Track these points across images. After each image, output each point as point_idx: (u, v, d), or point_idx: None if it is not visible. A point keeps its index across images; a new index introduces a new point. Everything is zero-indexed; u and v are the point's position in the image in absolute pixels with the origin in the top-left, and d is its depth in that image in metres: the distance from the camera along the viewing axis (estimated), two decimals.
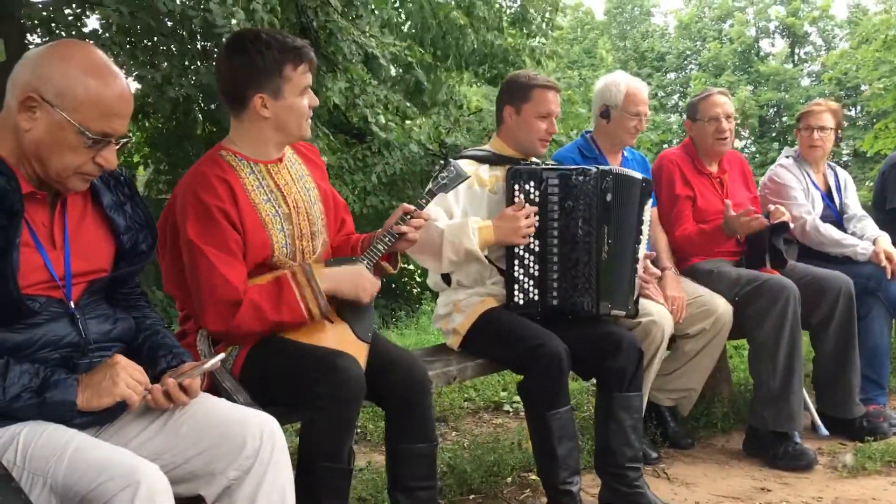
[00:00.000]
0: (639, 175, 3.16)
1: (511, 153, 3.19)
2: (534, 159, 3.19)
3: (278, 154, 2.47)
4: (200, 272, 2.25)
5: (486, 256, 3.02)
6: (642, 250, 3.20)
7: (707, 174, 3.86)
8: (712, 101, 3.83)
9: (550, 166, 3.03)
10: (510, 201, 2.99)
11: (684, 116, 4.07)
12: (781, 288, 3.44)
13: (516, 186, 2.98)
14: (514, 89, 3.15)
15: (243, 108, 2.37)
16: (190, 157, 8.82)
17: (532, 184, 2.98)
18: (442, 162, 2.78)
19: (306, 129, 2.45)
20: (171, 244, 2.36)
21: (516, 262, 2.99)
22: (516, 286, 3.00)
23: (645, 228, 3.18)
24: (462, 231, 2.89)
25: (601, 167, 3.04)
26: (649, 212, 3.21)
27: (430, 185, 2.67)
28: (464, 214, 3.03)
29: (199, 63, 7.79)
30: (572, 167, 3.03)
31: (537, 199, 2.98)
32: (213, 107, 8.06)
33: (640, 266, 3.18)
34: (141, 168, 10.17)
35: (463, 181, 2.73)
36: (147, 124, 9.42)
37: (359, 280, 2.42)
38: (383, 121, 7.99)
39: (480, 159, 3.17)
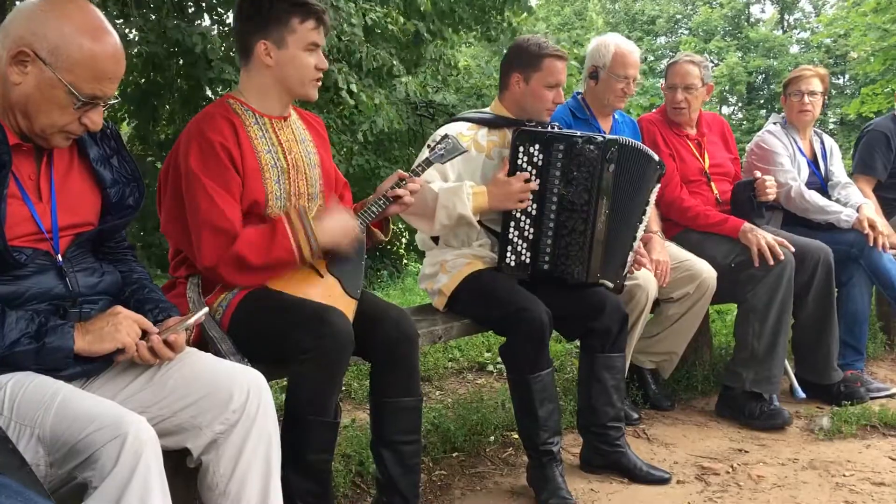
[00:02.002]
0: (656, 156, 3.13)
1: (512, 118, 3.16)
2: (541, 125, 3.11)
3: (283, 112, 2.50)
4: (199, 202, 2.28)
5: (478, 220, 3.04)
6: (642, 230, 3.20)
7: (685, 136, 3.87)
8: (674, 70, 3.83)
9: (556, 131, 3.00)
10: (513, 161, 2.95)
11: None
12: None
13: (521, 148, 2.95)
14: (524, 57, 3.09)
15: (249, 56, 2.42)
16: (164, 114, 8.72)
17: (537, 147, 2.94)
18: (441, 134, 2.78)
19: (312, 89, 2.47)
20: (173, 183, 2.38)
21: (512, 223, 2.98)
22: (509, 248, 3.00)
23: (649, 209, 3.18)
24: (457, 196, 2.88)
25: (608, 136, 3.01)
26: (655, 193, 3.20)
27: (426, 155, 2.69)
28: (458, 178, 3.02)
29: (173, 18, 7.65)
30: (579, 134, 2.98)
31: (540, 163, 2.94)
32: (180, 61, 7.95)
33: (636, 244, 3.19)
34: (124, 124, 10.03)
35: (459, 154, 2.74)
36: (129, 78, 9.29)
37: (348, 229, 2.43)
38: (355, 89, 7.90)
39: (479, 122, 3.14)
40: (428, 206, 2.91)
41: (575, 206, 2.96)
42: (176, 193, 2.37)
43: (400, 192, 2.54)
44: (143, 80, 8.64)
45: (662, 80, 3.97)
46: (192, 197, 2.29)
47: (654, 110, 4.15)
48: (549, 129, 3.04)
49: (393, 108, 9.05)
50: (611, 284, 3.11)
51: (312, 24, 2.40)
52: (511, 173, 2.95)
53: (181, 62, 8.10)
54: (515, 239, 2.99)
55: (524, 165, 2.95)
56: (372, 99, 8.05)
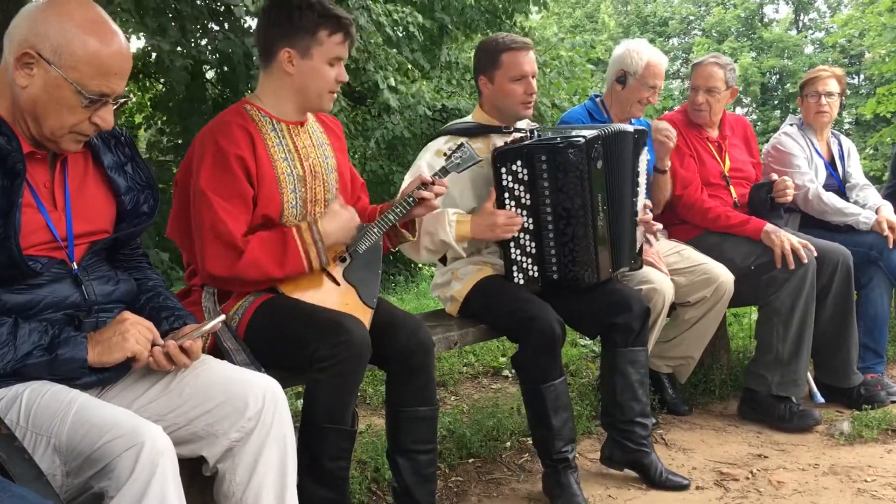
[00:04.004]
0: (630, 127, 3.09)
1: (495, 122, 3.12)
2: (517, 131, 3.07)
3: (300, 117, 2.49)
4: (204, 216, 2.27)
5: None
6: (641, 200, 3.16)
7: (705, 138, 3.83)
8: (699, 71, 3.80)
9: (533, 142, 2.90)
10: (498, 184, 2.90)
11: (686, 83, 4.06)
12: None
13: (503, 169, 2.89)
14: (484, 57, 3.06)
15: (271, 61, 2.40)
16: (203, 120, 8.76)
17: (519, 163, 2.87)
18: (458, 143, 2.74)
19: (328, 101, 2.46)
20: (183, 189, 2.38)
21: (512, 243, 2.94)
22: (515, 267, 2.96)
23: (642, 179, 3.14)
24: (439, 222, 2.85)
25: (588, 135, 2.88)
26: (645, 161, 3.15)
27: (443, 163, 2.66)
28: (446, 194, 2.98)
29: (210, 25, 7.67)
30: (558, 140, 2.88)
31: (526, 178, 2.88)
32: (225, 69, 7.96)
33: (639, 216, 3.15)
34: (142, 129, 10.10)
35: (475, 163, 2.70)
36: (148, 84, 9.33)
37: (350, 226, 2.44)
38: (393, 83, 7.91)
39: (458, 133, 3.07)
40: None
41: (571, 213, 2.89)
42: (183, 200, 2.37)
43: (426, 193, 2.51)
44: (174, 89, 8.66)
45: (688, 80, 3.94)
46: (197, 211, 2.29)
47: (675, 109, 4.10)
48: (527, 136, 2.94)
49: (423, 106, 9.01)
50: (626, 269, 3.10)
51: (340, 38, 2.39)
52: (499, 198, 2.90)
53: (217, 70, 8.12)
54: (519, 257, 2.96)
55: (510, 184, 2.89)
56: (410, 89, 8.03)
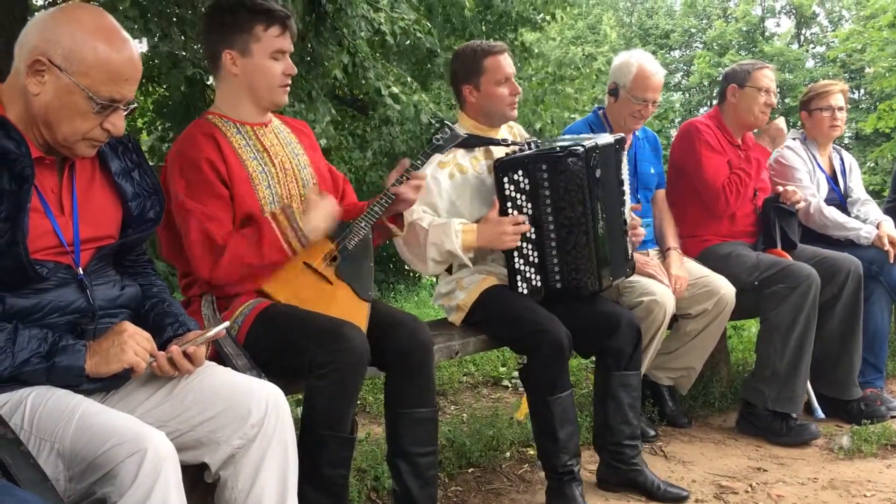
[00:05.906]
0: (610, 137, 3.09)
1: (483, 129, 3.14)
2: (515, 143, 3.09)
3: (262, 118, 2.51)
4: (188, 226, 2.30)
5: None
6: (628, 207, 3.17)
7: (736, 146, 3.83)
8: (766, 73, 3.78)
9: (533, 152, 2.92)
10: (500, 194, 2.92)
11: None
12: (807, 274, 3.46)
13: (505, 179, 2.90)
14: (466, 67, 3.08)
15: (218, 66, 2.43)
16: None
17: (521, 173, 2.89)
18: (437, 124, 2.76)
19: (280, 95, 2.47)
20: (167, 210, 2.38)
21: (515, 253, 2.95)
22: (518, 277, 2.97)
23: (626, 188, 3.15)
24: (444, 232, 2.87)
25: (587, 144, 2.88)
26: (625, 166, 3.15)
27: (425, 147, 2.67)
28: (450, 205, 3.00)
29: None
30: (558, 149, 2.88)
31: (528, 188, 2.89)
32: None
33: (628, 223, 3.16)
34: (144, 133, 10.10)
35: (458, 141, 2.72)
36: (151, 89, 9.33)
37: (329, 211, 2.43)
38: (396, 91, 7.95)
39: (459, 145, 3.03)
40: (420, 244, 2.89)
41: (573, 221, 2.90)
42: (171, 221, 2.38)
43: (402, 188, 2.52)
44: (170, 95, 8.66)
45: (734, 83, 3.83)
46: (181, 221, 2.33)
47: (701, 115, 4.07)
48: (525, 147, 2.97)
49: (425, 115, 9.03)
50: (623, 278, 3.12)
51: (277, 31, 2.41)
52: (502, 208, 2.92)
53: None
54: (522, 267, 2.97)
55: (513, 194, 2.91)
56: (411, 98, 8.08)
